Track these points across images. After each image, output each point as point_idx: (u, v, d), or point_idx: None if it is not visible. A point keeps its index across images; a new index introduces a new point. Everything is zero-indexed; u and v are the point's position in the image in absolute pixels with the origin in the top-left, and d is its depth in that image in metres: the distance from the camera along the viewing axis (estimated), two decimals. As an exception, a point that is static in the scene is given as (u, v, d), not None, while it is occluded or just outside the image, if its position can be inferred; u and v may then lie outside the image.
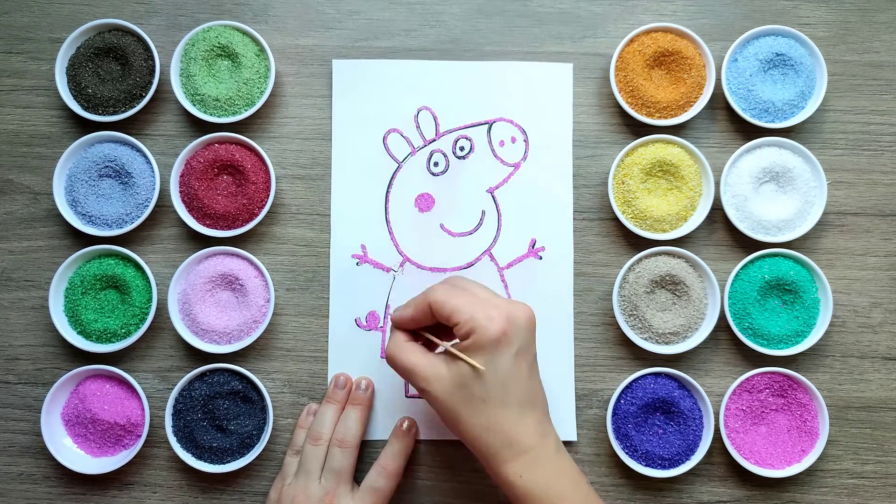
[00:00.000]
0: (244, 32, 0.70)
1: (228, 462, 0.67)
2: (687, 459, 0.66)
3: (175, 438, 0.67)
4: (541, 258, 0.69)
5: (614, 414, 0.67)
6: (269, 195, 0.68)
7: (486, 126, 0.70)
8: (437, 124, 0.70)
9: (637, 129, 0.71)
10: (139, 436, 0.67)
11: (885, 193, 0.70)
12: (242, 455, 0.66)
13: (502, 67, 0.71)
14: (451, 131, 0.70)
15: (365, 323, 0.69)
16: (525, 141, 0.70)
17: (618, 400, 0.67)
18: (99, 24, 0.69)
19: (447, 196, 0.70)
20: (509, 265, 0.70)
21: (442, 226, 0.70)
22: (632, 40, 0.70)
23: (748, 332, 0.67)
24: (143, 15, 0.71)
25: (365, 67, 0.71)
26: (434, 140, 0.70)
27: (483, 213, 0.70)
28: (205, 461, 0.67)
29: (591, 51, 0.71)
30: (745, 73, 0.69)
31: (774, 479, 0.67)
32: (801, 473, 0.66)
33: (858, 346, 0.69)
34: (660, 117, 0.69)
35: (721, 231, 0.70)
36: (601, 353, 0.69)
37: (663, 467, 0.66)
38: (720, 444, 0.67)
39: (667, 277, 0.67)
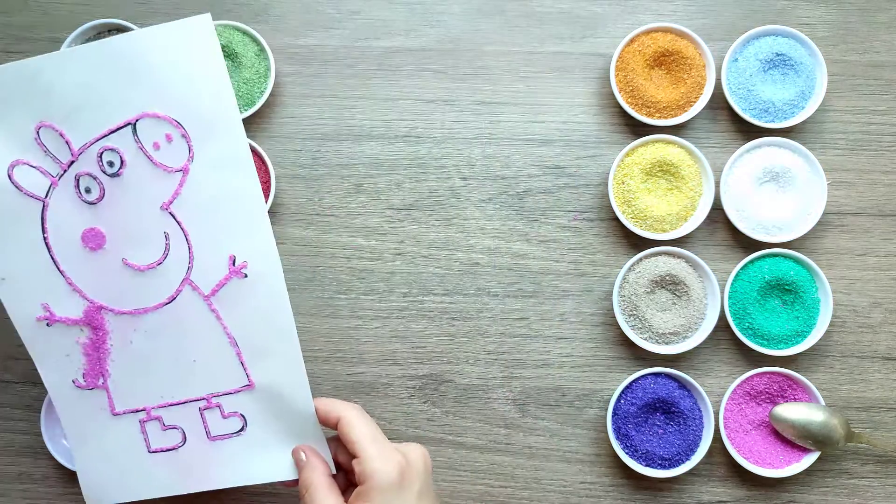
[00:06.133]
0: (244, 32, 0.70)
1: (228, 462, 0.66)
2: (687, 459, 0.66)
3: (175, 438, 0.66)
4: (246, 276, 0.57)
5: (614, 414, 0.67)
6: (269, 195, 0.68)
7: (130, 127, 0.56)
8: (66, 141, 0.56)
9: (637, 129, 0.71)
10: (139, 436, 0.67)
11: (885, 193, 0.70)
12: (242, 455, 0.66)
13: (123, 44, 0.55)
14: (88, 145, 0.56)
15: (84, 382, 0.60)
16: (184, 136, 0.56)
17: (618, 400, 0.67)
18: (99, 24, 0.69)
19: (116, 225, 0.57)
20: (214, 291, 0.58)
21: (125, 261, 0.58)
22: (632, 40, 0.70)
23: (748, 332, 0.67)
24: (143, 15, 0.71)
25: None
26: (73, 161, 0.57)
27: (166, 235, 0.57)
28: (204, 461, 0.66)
29: (591, 51, 0.71)
30: (745, 73, 0.69)
31: (774, 479, 0.67)
32: (801, 473, 0.66)
33: (858, 346, 0.69)
34: (660, 117, 0.69)
35: (721, 231, 0.70)
36: (601, 353, 0.69)
37: (663, 467, 0.66)
38: (720, 444, 0.67)
39: (667, 277, 0.67)
